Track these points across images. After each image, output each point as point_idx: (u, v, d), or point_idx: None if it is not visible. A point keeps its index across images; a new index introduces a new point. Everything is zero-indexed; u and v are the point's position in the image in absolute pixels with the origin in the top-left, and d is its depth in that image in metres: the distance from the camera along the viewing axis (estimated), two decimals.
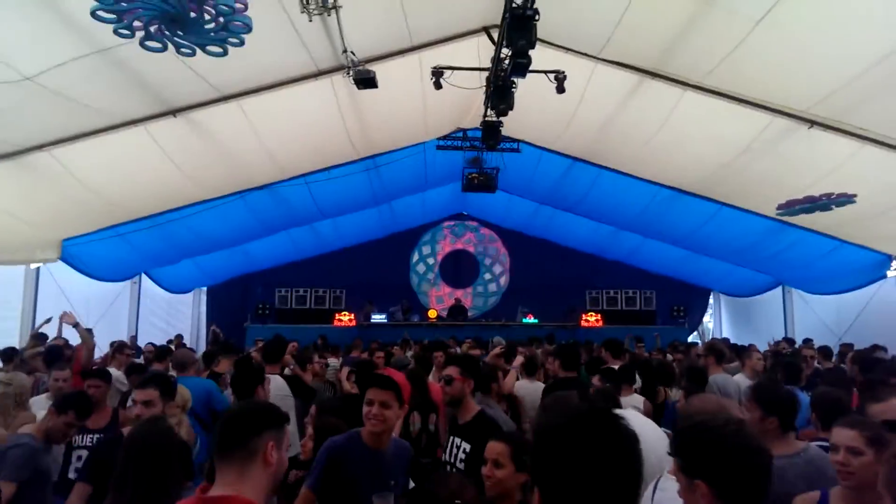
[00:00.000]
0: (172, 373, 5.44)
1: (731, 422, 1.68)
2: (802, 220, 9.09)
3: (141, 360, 7.79)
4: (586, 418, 1.21)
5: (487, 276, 17.72)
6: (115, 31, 4.57)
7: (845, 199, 7.94)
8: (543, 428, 1.25)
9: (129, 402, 3.26)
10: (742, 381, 5.65)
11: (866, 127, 6.43)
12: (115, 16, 4.34)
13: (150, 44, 4.35)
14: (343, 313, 14.43)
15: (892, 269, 9.59)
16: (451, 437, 3.31)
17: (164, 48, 4.20)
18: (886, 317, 9.89)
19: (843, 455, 2.30)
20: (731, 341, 11.66)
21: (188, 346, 11.92)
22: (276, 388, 4.88)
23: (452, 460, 3.22)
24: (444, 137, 10.16)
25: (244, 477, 1.72)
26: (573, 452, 1.15)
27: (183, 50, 4.26)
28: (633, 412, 3.36)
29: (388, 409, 2.70)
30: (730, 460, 1.56)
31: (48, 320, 7.74)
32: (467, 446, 3.16)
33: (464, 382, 3.36)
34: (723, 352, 6.18)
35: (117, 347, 7.75)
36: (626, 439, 1.19)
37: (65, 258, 8.67)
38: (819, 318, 11.74)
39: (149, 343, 9.51)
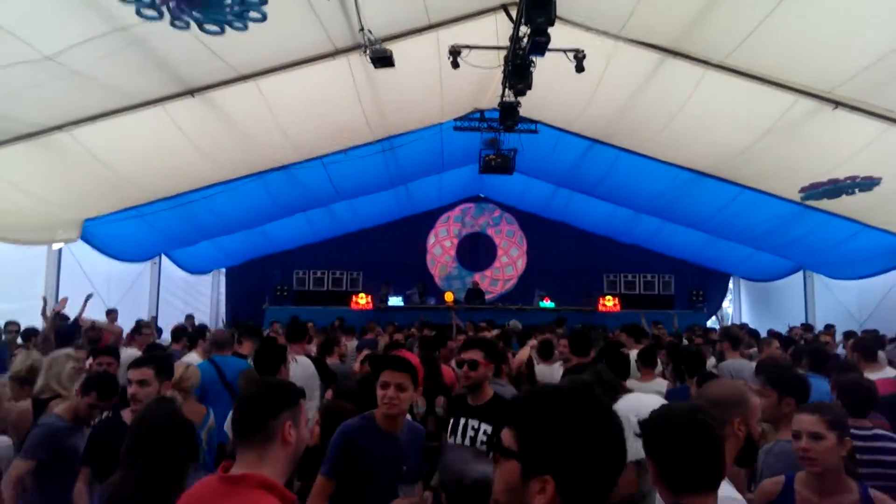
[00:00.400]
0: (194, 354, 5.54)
1: (693, 408, 1.71)
2: (824, 203, 8.90)
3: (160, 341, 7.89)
4: (564, 394, 1.23)
5: (505, 258, 17.67)
6: (138, 12, 4.58)
7: (870, 182, 7.76)
8: (533, 397, 1.27)
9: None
10: None
11: (893, 108, 6.26)
12: None
13: (176, 23, 4.35)
14: (360, 295, 14.50)
15: None
16: (465, 419, 3.24)
17: (187, 26, 4.19)
18: None
19: (805, 441, 2.31)
20: (751, 326, 11.57)
21: (208, 326, 12.06)
22: (303, 368, 4.88)
23: (470, 443, 3.19)
24: (461, 118, 10.09)
25: (264, 458, 1.76)
26: (551, 427, 1.17)
27: (208, 26, 4.24)
28: (651, 396, 3.30)
29: (403, 391, 2.69)
30: (672, 441, 1.61)
31: (64, 300, 7.86)
32: (488, 427, 3.13)
33: (487, 367, 3.34)
34: (739, 337, 6.13)
35: (136, 328, 7.90)
36: (603, 417, 1.20)
37: (85, 238, 8.79)
38: (841, 304, 11.54)
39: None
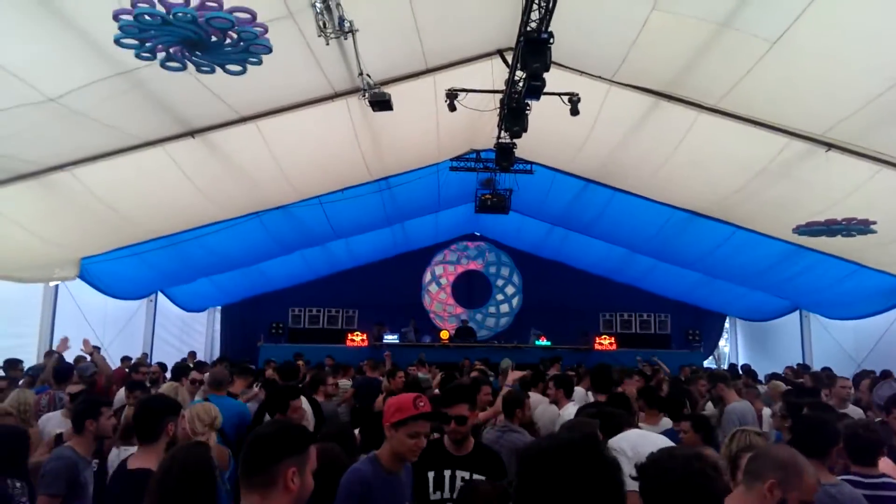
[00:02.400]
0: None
1: (692, 456, 1.71)
2: (819, 243, 8.97)
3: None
4: (567, 446, 1.23)
5: (500, 296, 17.65)
6: (137, 55, 4.68)
7: (864, 228, 7.84)
8: (526, 454, 1.29)
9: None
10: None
11: (885, 150, 6.38)
12: (137, 42, 4.45)
13: (170, 64, 4.44)
14: (355, 333, 14.43)
15: None
16: (450, 471, 3.09)
17: (184, 67, 4.29)
18: None
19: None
20: (750, 366, 11.50)
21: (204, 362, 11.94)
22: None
23: (446, 495, 3.06)
24: (458, 158, 10.22)
25: (265, 501, 1.75)
26: (552, 478, 1.17)
27: (203, 68, 4.34)
28: (654, 435, 3.27)
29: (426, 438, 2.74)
30: (681, 494, 1.58)
31: (65, 339, 7.79)
32: (481, 478, 3.04)
33: (473, 416, 3.26)
34: (725, 376, 6.14)
35: (133, 366, 7.79)
36: (604, 467, 1.20)
37: (83, 276, 8.76)
38: (838, 344, 11.51)
39: (156, 363, 9.45)
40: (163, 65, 4.62)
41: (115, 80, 5.12)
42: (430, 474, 3.09)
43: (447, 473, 3.09)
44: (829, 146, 6.57)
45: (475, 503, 2.45)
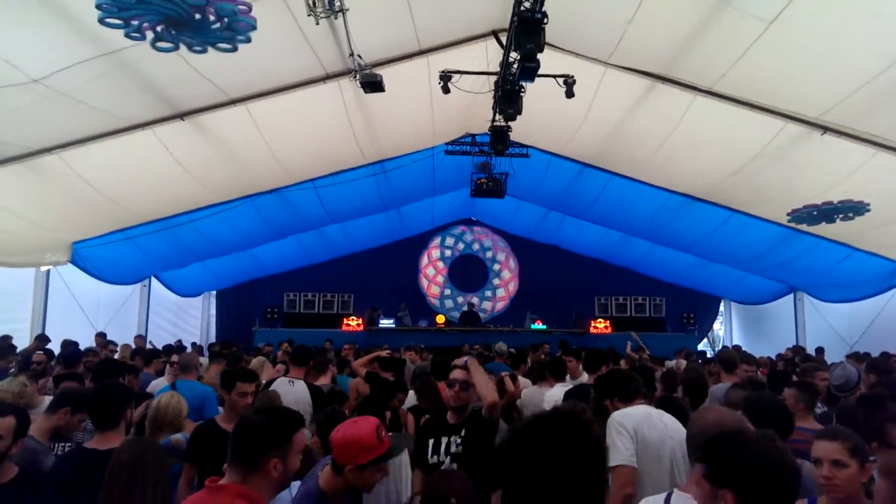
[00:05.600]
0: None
1: (766, 437, 1.67)
2: (814, 227, 8.96)
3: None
4: (550, 421, 1.24)
5: (496, 280, 17.65)
6: (126, 35, 4.58)
7: (860, 207, 7.82)
8: (512, 431, 1.31)
9: None
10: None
11: (879, 133, 6.34)
12: (121, 21, 4.35)
13: (161, 45, 4.36)
14: (351, 318, 14.43)
15: None
16: (447, 438, 3.22)
17: (176, 47, 4.20)
18: None
19: (827, 468, 2.26)
20: (741, 347, 11.55)
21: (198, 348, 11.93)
22: (298, 393, 4.77)
23: (451, 461, 3.16)
24: (453, 142, 10.15)
25: (246, 482, 1.86)
26: (534, 454, 1.19)
27: (195, 48, 4.26)
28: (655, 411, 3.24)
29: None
30: (762, 475, 1.56)
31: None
32: (459, 438, 3.17)
33: (474, 388, 3.34)
34: (734, 361, 6.08)
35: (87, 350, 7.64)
36: (586, 442, 1.21)
37: (75, 261, 8.71)
38: (831, 327, 11.57)
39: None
40: (154, 45, 4.53)
41: (101, 60, 5.03)
42: (431, 441, 3.26)
43: (444, 440, 3.24)
44: (825, 129, 6.54)
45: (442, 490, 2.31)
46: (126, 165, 7.14)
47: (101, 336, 9.20)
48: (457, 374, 3.32)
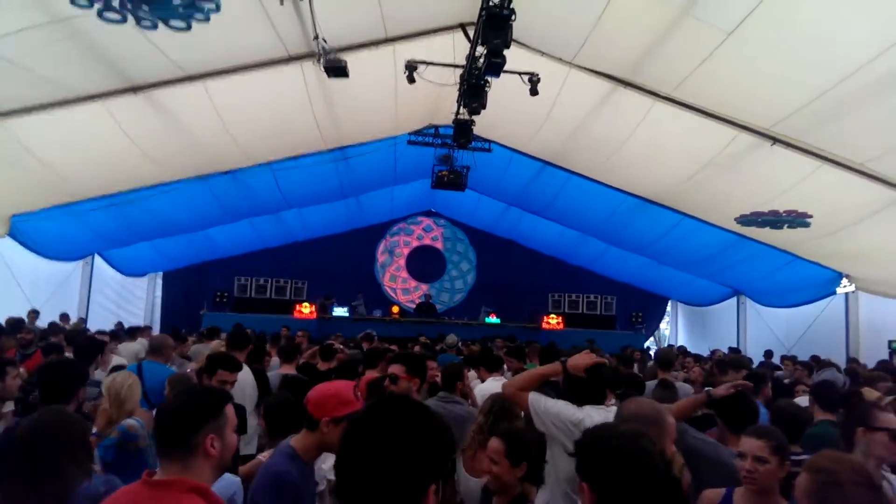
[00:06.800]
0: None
1: (633, 433, 1.73)
2: (760, 234, 9.32)
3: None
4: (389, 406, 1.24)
5: (454, 272, 17.71)
6: (72, 2, 4.36)
7: (801, 221, 8.16)
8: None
9: None
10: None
11: (825, 147, 6.61)
12: None
13: (108, 14, 4.15)
14: (304, 305, 14.19)
15: (841, 286, 9.94)
16: None
17: (124, 20, 4.01)
18: (833, 332, 10.27)
19: (749, 463, 2.45)
20: (685, 347, 11.93)
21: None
22: (242, 377, 4.67)
23: None
24: (416, 133, 10.09)
25: (188, 469, 1.74)
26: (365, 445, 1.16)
27: (143, 22, 4.08)
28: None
29: None
30: (613, 468, 1.61)
31: None
32: None
33: (410, 381, 3.33)
34: (670, 360, 6.31)
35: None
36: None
37: (13, 234, 8.32)
38: (770, 330, 12.09)
39: None
40: (100, 15, 4.31)
41: (51, 28, 4.79)
42: None
43: None
44: (775, 140, 6.78)
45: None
46: (73, 138, 6.85)
47: (34, 313, 8.83)
48: (391, 368, 3.37)
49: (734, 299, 13.62)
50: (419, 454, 1.14)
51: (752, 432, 2.58)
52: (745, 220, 8.92)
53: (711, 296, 14.25)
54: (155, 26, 4.09)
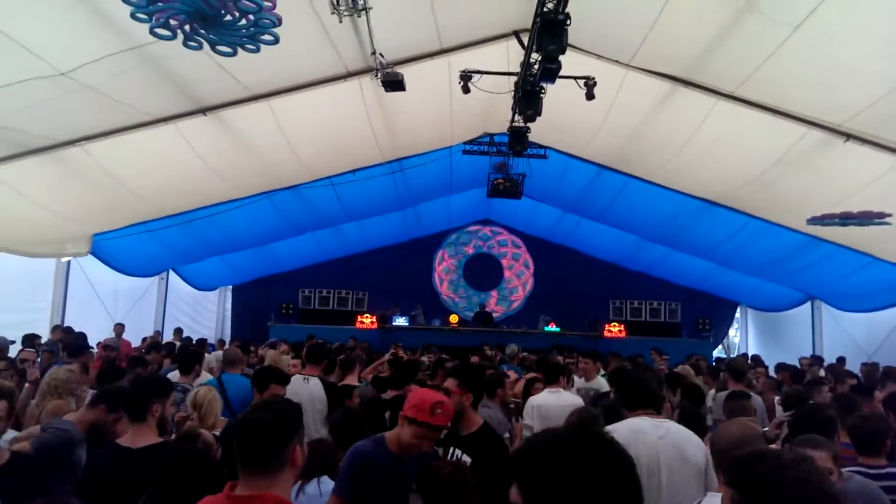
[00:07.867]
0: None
1: (802, 459, 1.48)
2: (834, 234, 8.84)
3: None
4: (575, 442, 1.18)
5: (512, 281, 17.63)
6: (151, 31, 4.62)
7: (879, 221, 7.68)
8: (531, 450, 1.22)
9: None
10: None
11: None
12: (148, 16, 4.40)
13: (190, 44, 4.40)
14: (365, 315, 14.48)
15: None
16: (451, 448, 3.16)
17: (200, 46, 4.24)
18: None
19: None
20: (759, 356, 11.40)
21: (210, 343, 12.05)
22: (312, 390, 4.78)
23: None
24: (471, 142, 10.13)
25: (275, 483, 1.77)
26: (562, 477, 1.12)
27: (220, 48, 4.29)
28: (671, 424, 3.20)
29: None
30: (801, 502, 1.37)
31: None
32: (468, 459, 3.03)
33: (462, 395, 3.22)
34: (743, 370, 6.04)
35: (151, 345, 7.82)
36: (617, 463, 1.16)
37: (95, 252, 8.84)
38: (849, 336, 11.39)
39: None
40: (185, 44, 4.57)
41: (127, 55, 5.09)
42: (440, 450, 3.15)
43: (451, 451, 3.16)
44: (848, 136, 6.44)
45: (436, 486, 2.47)
46: (148, 159, 7.24)
47: (120, 326, 9.37)
48: (446, 382, 3.35)
49: (808, 304, 12.93)
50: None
51: (810, 443, 2.52)
52: (816, 221, 8.49)
53: (783, 301, 13.54)
54: (234, 52, 4.29)
